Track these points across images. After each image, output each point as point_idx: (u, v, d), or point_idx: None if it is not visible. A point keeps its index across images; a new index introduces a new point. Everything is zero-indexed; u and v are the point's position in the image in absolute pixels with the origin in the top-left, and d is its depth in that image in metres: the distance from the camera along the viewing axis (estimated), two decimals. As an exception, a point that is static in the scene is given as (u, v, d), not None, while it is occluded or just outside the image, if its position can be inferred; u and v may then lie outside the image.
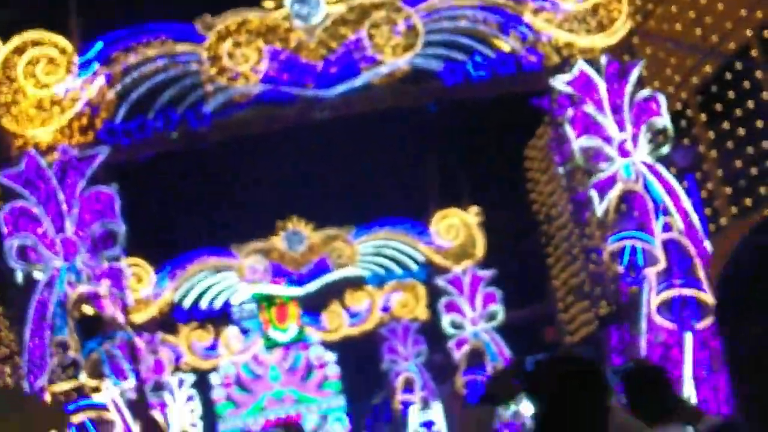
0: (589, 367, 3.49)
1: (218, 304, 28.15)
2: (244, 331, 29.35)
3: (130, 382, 14.71)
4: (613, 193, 15.05)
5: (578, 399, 3.30)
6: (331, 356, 30.78)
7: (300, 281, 28.11)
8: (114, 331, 14.38)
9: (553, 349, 27.30)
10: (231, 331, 29.10)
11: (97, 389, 13.76)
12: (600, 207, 15.16)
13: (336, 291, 29.20)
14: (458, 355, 26.13)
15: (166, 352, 25.90)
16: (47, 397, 13.54)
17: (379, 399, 34.14)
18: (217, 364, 29.53)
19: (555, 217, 27.09)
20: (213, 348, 29.11)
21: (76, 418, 13.43)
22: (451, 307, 26.37)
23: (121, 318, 14.47)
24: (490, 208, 28.02)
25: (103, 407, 13.70)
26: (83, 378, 13.77)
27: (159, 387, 24.00)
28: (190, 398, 29.11)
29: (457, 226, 27.55)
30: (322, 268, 28.22)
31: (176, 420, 26.03)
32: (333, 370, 30.73)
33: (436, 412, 28.97)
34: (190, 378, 29.06)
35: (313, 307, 29.35)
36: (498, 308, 26.28)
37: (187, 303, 27.33)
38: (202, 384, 30.16)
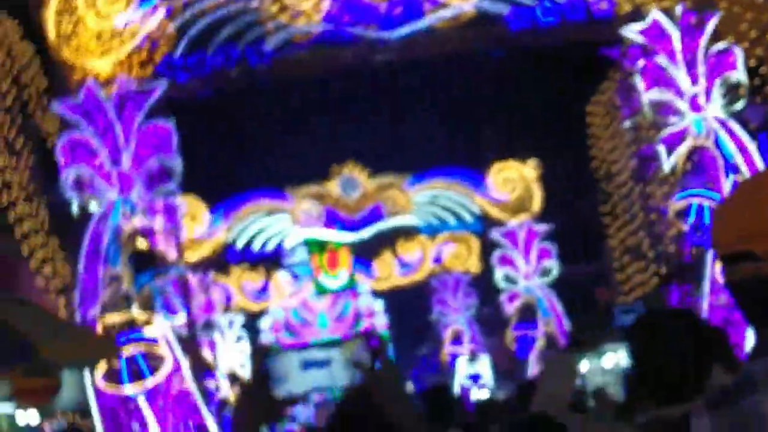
0: (696, 321, 3.27)
1: (270, 246, 28.14)
2: (295, 276, 29.36)
3: (181, 318, 14.69)
4: (682, 149, 14.54)
5: (684, 352, 3.16)
6: (379, 306, 30.73)
7: (353, 228, 27.97)
8: (167, 267, 14.33)
9: (606, 308, 26.94)
10: (282, 275, 29.14)
11: (148, 323, 13.73)
12: (667, 163, 14.65)
13: (388, 239, 29.04)
14: (509, 309, 25.94)
15: (217, 291, 26.00)
16: (99, 328, 13.55)
17: (427, 350, 34.10)
18: (266, 306, 29.62)
19: (615, 174, 26.46)
20: (263, 291, 29.17)
21: (127, 351, 13.43)
22: (505, 261, 26.10)
23: (174, 254, 14.41)
24: (549, 162, 27.54)
25: (153, 341, 13.68)
26: (135, 311, 13.74)
27: (209, 326, 24.09)
28: (239, 339, 29.30)
29: (514, 179, 27.21)
30: (375, 216, 28.04)
31: (225, 359, 26.19)
32: (381, 320, 30.66)
33: (484, 365, 28.84)
34: (240, 319, 29.22)
35: (364, 254, 29.23)
36: (552, 264, 26.00)
37: (239, 244, 27.37)
38: (252, 326, 30.31)
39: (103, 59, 14.16)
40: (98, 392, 13.46)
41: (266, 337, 30.30)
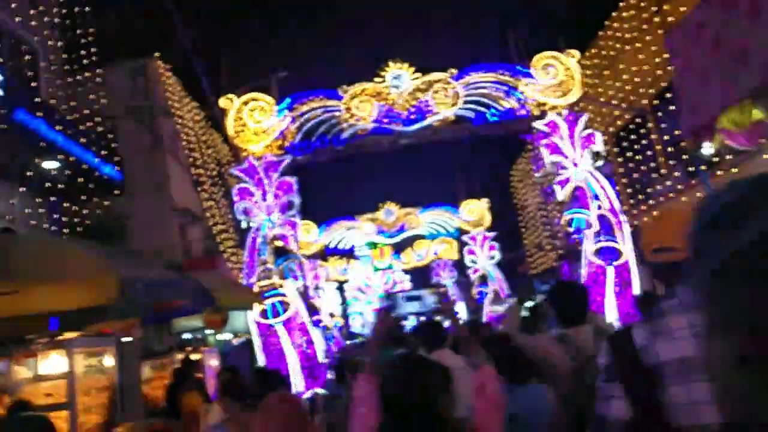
0: (578, 285, 3.35)
1: (348, 246, 26.97)
2: (362, 261, 28.30)
3: (300, 282, 13.55)
4: (568, 187, 13.13)
5: (580, 297, 3.29)
6: (406, 277, 29.57)
7: (392, 236, 26.14)
8: (292, 255, 13.22)
9: (523, 278, 24.77)
10: (356, 262, 28.08)
11: (281, 286, 12.61)
12: (560, 194, 13.25)
13: (409, 242, 27.70)
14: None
15: (322, 270, 24.92)
16: (255, 288, 12.48)
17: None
18: (347, 278, 28.57)
19: (527, 206, 24.89)
20: (345, 270, 28.17)
21: (270, 301, 12.32)
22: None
23: (295, 248, 13.28)
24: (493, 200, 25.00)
25: (284, 295, 12.56)
26: (275, 279, 12.65)
27: (317, 288, 22.93)
28: (335, 293, 28.18)
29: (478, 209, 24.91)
30: (402, 230, 26.17)
31: (326, 304, 25.03)
32: (407, 285, 29.45)
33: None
34: (334, 285, 28.16)
35: (397, 249, 28.01)
36: (494, 253, 21.83)
37: (332, 245, 26.24)
38: (340, 288, 29.25)
39: (257, 145, 13.19)
40: (256, 323, 12.34)
41: (348, 293, 29.24)
